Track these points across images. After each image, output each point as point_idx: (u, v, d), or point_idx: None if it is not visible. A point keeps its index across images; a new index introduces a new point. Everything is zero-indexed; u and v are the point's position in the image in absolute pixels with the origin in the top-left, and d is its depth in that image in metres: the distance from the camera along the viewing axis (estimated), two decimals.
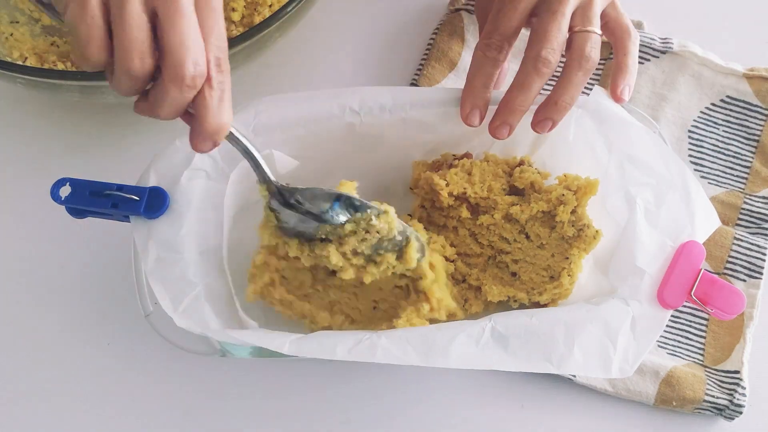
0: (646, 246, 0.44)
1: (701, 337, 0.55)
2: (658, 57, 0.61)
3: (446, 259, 0.50)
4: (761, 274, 0.55)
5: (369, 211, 0.43)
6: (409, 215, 0.52)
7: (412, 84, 0.61)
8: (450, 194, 0.49)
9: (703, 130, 0.60)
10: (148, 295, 0.46)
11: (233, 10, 0.60)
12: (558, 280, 0.47)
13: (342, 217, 0.43)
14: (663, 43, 0.61)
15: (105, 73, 0.36)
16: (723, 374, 0.53)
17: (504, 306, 0.50)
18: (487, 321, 0.42)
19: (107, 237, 0.56)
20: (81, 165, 0.59)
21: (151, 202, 0.44)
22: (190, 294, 0.43)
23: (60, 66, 0.59)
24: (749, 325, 0.54)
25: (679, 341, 0.55)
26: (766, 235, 0.57)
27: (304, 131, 0.48)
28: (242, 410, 0.53)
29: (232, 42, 0.51)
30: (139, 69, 0.34)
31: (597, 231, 0.47)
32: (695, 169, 0.59)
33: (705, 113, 0.60)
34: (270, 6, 0.61)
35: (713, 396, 0.52)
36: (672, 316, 0.54)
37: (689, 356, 0.54)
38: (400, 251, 0.45)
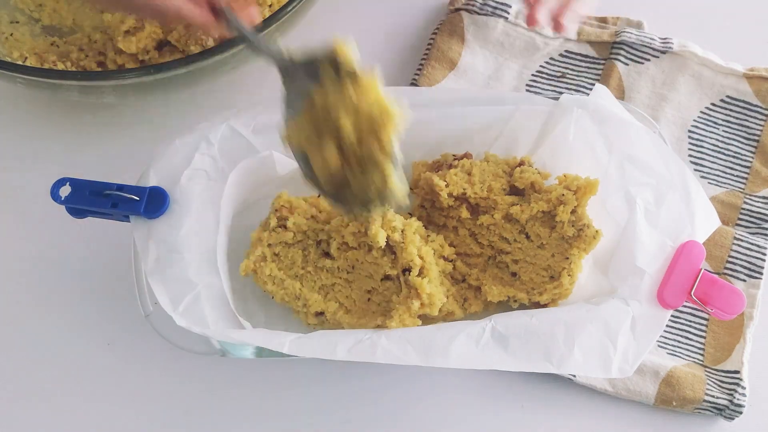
0: (646, 246, 0.44)
1: (701, 337, 0.55)
2: (658, 57, 0.61)
3: (445, 259, 0.50)
4: (761, 274, 0.55)
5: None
6: (410, 214, 0.52)
7: (412, 84, 0.61)
8: (450, 195, 0.49)
9: (703, 130, 0.60)
10: (148, 295, 0.46)
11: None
12: (558, 280, 0.47)
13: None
14: (663, 43, 0.61)
15: None
16: (723, 374, 0.53)
17: (504, 306, 0.50)
18: (487, 321, 0.42)
19: (107, 237, 0.56)
20: (81, 165, 0.59)
21: (151, 202, 0.44)
22: (190, 294, 0.43)
23: (60, 66, 0.59)
24: (749, 325, 0.54)
25: (679, 341, 0.55)
26: (766, 235, 0.57)
27: None
28: (242, 410, 0.53)
29: (232, 42, 0.51)
30: None
31: (597, 231, 0.47)
32: (695, 169, 0.59)
33: (705, 113, 0.60)
34: (270, 6, 0.61)
35: (713, 396, 0.52)
36: (672, 316, 0.54)
37: (689, 356, 0.54)
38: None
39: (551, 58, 0.62)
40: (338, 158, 0.43)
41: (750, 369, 0.53)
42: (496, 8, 0.63)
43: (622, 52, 0.61)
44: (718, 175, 0.59)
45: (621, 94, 0.60)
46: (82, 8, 0.64)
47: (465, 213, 0.50)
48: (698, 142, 0.59)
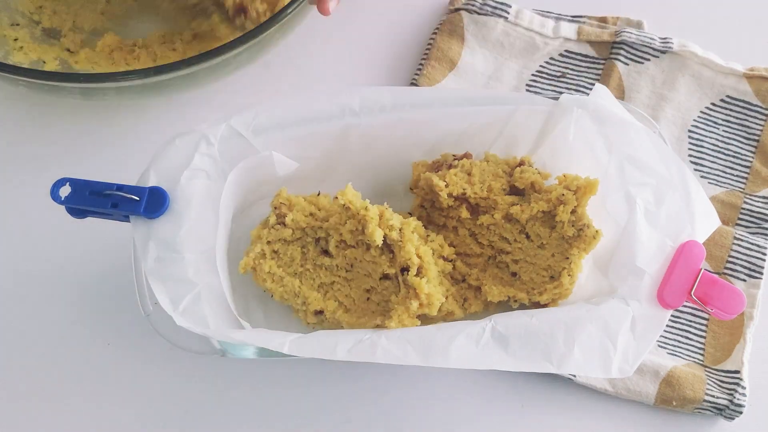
0: (646, 246, 0.44)
1: (701, 337, 0.55)
2: (658, 57, 0.61)
3: (445, 259, 0.50)
4: (761, 274, 0.55)
5: None
6: (409, 213, 0.52)
7: (412, 84, 0.61)
8: (449, 195, 0.49)
9: (703, 129, 0.60)
10: (148, 295, 0.46)
11: None
12: (558, 280, 0.47)
13: None
14: (663, 43, 0.61)
15: None
16: (723, 374, 0.53)
17: (504, 306, 0.50)
18: (487, 321, 0.42)
19: (107, 237, 0.56)
20: (81, 165, 0.59)
21: (151, 202, 0.44)
22: (190, 294, 0.43)
23: (60, 68, 0.59)
24: (749, 325, 0.54)
25: (679, 341, 0.55)
26: (766, 235, 0.57)
27: (304, 131, 0.48)
28: (242, 410, 0.53)
29: (234, 43, 0.51)
30: None
31: (597, 231, 0.47)
32: (695, 169, 0.59)
33: (705, 113, 0.60)
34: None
35: (713, 396, 0.52)
36: (672, 316, 0.54)
37: (689, 356, 0.54)
38: None
39: (551, 58, 0.62)
40: None
41: (750, 369, 0.53)
42: (495, 8, 0.63)
43: (622, 52, 0.61)
44: (718, 175, 0.59)
45: (621, 94, 0.60)
46: (82, 10, 0.64)
47: (465, 213, 0.50)
48: (698, 142, 0.59)
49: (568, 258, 0.47)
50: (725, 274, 0.56)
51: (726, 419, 0.52)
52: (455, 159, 0.51)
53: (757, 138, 0.59)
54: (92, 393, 0.53)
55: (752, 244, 0.56)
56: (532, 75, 0.62)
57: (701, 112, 0.60)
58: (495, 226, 0.50)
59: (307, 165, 0.50)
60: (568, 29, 0.63)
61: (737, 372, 0.53)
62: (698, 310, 0.54)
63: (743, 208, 0.58)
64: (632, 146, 0.46)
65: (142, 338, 0.53)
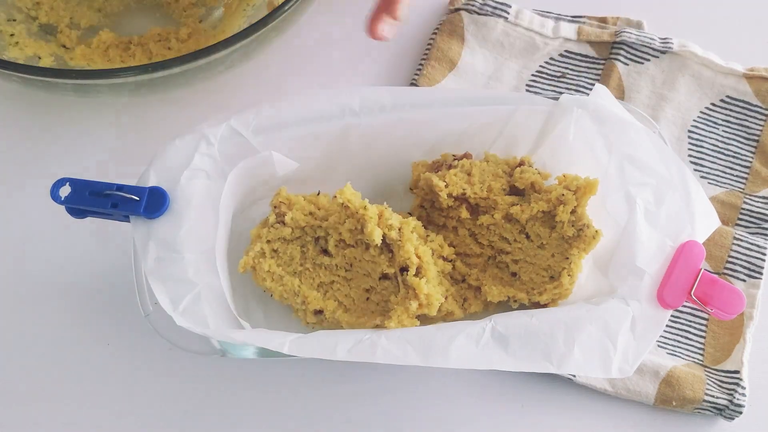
0: (646, 246, 0.44)
1: (701, 337, 0.55)
2: (658, 57, 0.61)
3: (445, 259, 0.50)
4: (761, 274, 0.55)
5: None
6: (409, 213, 0.52)
7: (412, 84, 0.61)
8: (449, 195, 0.49)
9: (703, 130, 0.60)
10: (148, 295, 0.46)
11: None
12: (558, 280, 0.47)
13: None
14: (663, 43, 0.61)
15: None
16: (723, 374, 0.53)
17: (504, 306, 0.50)
18: (487, 321, 0.42)
19: (107, 237, 0.56)
20: (81, 165, 0.59)
21: (151, 202, 0.44)
22: (190, 294, 0.43)
23: (55, 65, 0.59)
24: (749, 325, 0.54)
25: (678, 341, 0.55)
26: (766, 235, 0.57)
27: (304, 132, 0.48)
28: (242, 410, 0.53)
29: (230, 41, 0.51)
30: None
31: (597, 231, 0.47)
32: (695, 169, 0.59)
33: (705, 113, 0.60)
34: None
35: (713, 396, 0.52)
36: (672, 316, 0.54)
37: (689, 356, 0.54)
38: None
39: (551, 58, 0.62)
40: None
41: (750, 369, 0.53)
42: (495, 8, 0.63)
43: (622, 52, 0.61)
44: (717, 175, 0.59)
45: (621, 94, 0.60)
46: (80, 7, 0.64)
47: (465, 213, 0.50)
48: (698, 142, 0.60)
49: (568, 258, 0.47)
50: (725, 274, 0.56)
51: (726, 419, 0.52)
52: (455, 159, 0.51)
53: (756, 138, 0.59)
54: (92, 393, 0.53)
55: (752, 244, 0.56)
56: (532, 75, 0.62)
57: (701, 112, 0.60)
58: (495, 226, 0.50)
59: (307, 165, 0.50)
60: (568, 29, 0.63)
61: (737, 372, 0.53)
62: (698, 310, 0.55)
63: (743, 209, 0.58)
64: (632, 146, 0.46)
65: (142, 338, 0.53)
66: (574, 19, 0.63)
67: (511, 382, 0.54)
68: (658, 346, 0.54)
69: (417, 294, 0.45)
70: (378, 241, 0.46)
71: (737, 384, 0.52)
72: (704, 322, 0.55)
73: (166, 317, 0.43)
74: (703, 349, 0.54)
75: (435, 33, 0.63)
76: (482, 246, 0.51)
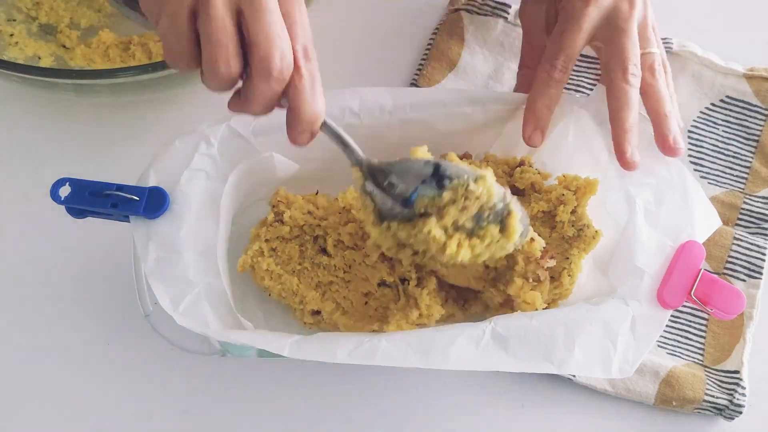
0: (646, 246, 0.44)
1: (701, 337, 0.55)
2: None
3: None
4: (761, 274, 0.55)
5: (466, 176, 0.41)
6: None
7: (412, 84, 0.61)
8: None
9: (703, 130, 0.60)
10: (148, 295, 0.46)
11: None
12: (558, 281, 0.47)
13: (430, 192, 0.41)
14: (663, 43, 0.61)
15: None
16: (723, 374, 0.53)
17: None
18: (487, 323, 0.42)
19: (107, 237, 0.56)
20: (81, 165, 0.59)
21: (151, 202, 0.44)
22: (190, 294, 0.43)
23: (55, 65, 0.59)
24: (749, 325, 0.54)
25: (678, 341, 0.55)
26: (765, 235, 0.57)
27: None
28: (242, 410, 0.53)
29: None
30: (225, 72, 0.36)
31: (597, 231, 0.47)
32: (695, 169, 0.59)
33: (705, 113, 0.60)
34: None
35: (713, 396, 0.52)
36: (672, 316, 0.54)
37: (689, 356, 0.54)
38: (502, 223, 0.42)
39: None
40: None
41: (750, 369, 0.53)
42: (495, 8, 0.63)
43: None
44: (717, 175, 0.59)
45: None
46: (79, 7, 0.64)
47: None
48: (698, 142, 0.60)
49: (568, 258, 0.47)
50: (725, 274, 0.56)
51: (726, 419, 0.52)
52: None
53: (756, 138, 0.59)
54: (92, 393, 0.53)
55: (752, 244, 0.56)
56: None
57: (701, 112, 0.60)
58: None
59: (307, 166, 0.50)
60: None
61: (737, 372, 0.53)
62: (698, 310, 0.55)
63: (743, 209, 0.58)
64: None
65: (142, 338, 0.53)
66: None
67: (511, 382, 0.54)
68: (658, 346, 0.54)
69: (418, 304, 0.46)
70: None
71: (737, 384, 0.52)
72: (704, 322, 0.55)
73: (166, 317, 0.43)
74: (703, 349, 0.54)
75: (435, 33, 0.63)
76: None
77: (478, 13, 0.63)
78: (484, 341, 0.41)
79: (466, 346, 0.41)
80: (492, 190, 0.41)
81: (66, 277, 0.56)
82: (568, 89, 0.61)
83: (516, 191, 0.50)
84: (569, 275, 0.47)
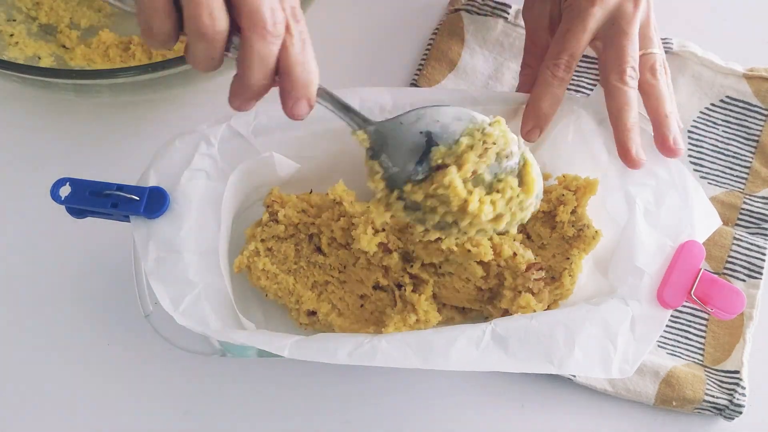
0: (646, 246, 0.44)
1: (701, 337, 0.55)
2: None
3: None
4: (761, 274, 0.55)
5: (480, 119, 0.39)
6: None
7: (412, 84, 0.61)
8: None
9: (703, 130, 0.60)
10: (148, 295, 0.46)
11: None
12: (559, 281, 0.47)
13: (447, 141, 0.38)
14: (663, 43, 0.61)
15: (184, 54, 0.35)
16: (723, 374, 0.53)
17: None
18: (487, 324, 0.42)
19: (107, 237, 0.56)
20: (81, 165, 0.59)
21: (151, 202, 0.44)
22: (191, 294, 0.43)
23: (55, 65, 0.59)
24: (749, 325, 0.54)
25: (678, 341, 0.55)
26: (765, 235, 0.57)
27: (304, 132, 0.48)
28: (242, 410, 0.53)
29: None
30: (210, 26, 0.33)
31: (597, 231, 0.47)
32: (695, 169, 0.59)
33: (705, 113, 0.60)
34: None
35: (713, 396, 0.52)
36: (672, 316, 0.54)
37: (689, 356, 0.54)
38: (519, 174, 0.40)
39: None
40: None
41: (750, 369, 0.53)
42: (495, 8, 0.63)
43: None
44: (717, 176, 0.59)
45: None
46: (79, 7, 0.64)
47: None
48: (698, 143, 0.60)
49: (568, 258, 0.47)
50: (725, 274, 0.56)
51: (726, 419, 0.52)
52: None
53: (756, 138, 0.59)
54: (92, 393, 0.53)
55: (752, 244, 0.56)
56: None
57: (701, 112, 0.60)
58: None
59: (307, 166, 0.50)
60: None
61: (737, 372, 0.53)
62: (698, 310, 0.55)
63: (743, 209, 0.58)
64: None
65: (142, 338, 0.53)
66: None
67: (511, 382, 0.54)
68: (658, 346, 0.54)
69: (416, 309, 0.46)
70: (369, 249, 0.45)
71: (737, 384, 0.52)
72: (704, 322, 0.55)
73: (166, 317, 0.43)
74: (703, 349, 0.54)
75: (435, 33, 0.63)
76: None
77: (478, 13, 0.63)
78: (484, 342, 0.41)
79: (466, 346, 0.41)
80: (507, 134, 0.39)
81: (66, 277, 0.56)
82: (568, 89, 0.61)
83: None
84: (570, 275, 0.47)
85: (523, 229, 0.49)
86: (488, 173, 0.39)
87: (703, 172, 0.59)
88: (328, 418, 0.53)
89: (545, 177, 0.50)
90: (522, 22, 0.62)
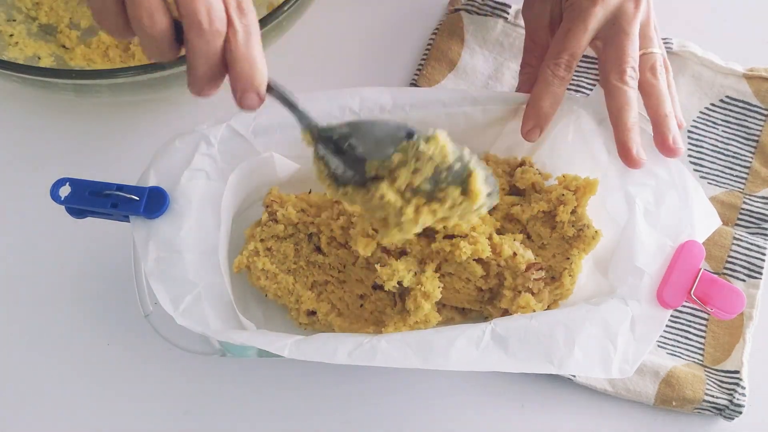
0: (646, 246, 0.44)
1: (701, 337, 0.55)
2: None
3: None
4: (761, 274, 0.55)
5: (415, 136, 0.39)
6: None
7: (412, 84, 0.61)
8: None
9: (703, 130, 0.60)
10: (148, 295, 0.46)
11: None
12: (559, 281, 0.47)
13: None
14: (663, 43, 0.61)
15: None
16: (723, 374, 0.53)
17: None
18: (487, 324, 0.42)
19: (107, 237, 0.56)
20: (81, 165, 0.59)
21: (151, 202, 0.44)
22: (190, 294, 0.43)
23: (55, 65, 0.59)
24: (749, 325, 0.54)
25: (678, 341, 0.55)
26: (765, 235, 0.57)
27: None
28: (242, 410, 0.53)
29: None
30: (149, 26, 0.34)
31: (597, 231, 0.47)
32: (695, 169, 0.59)
33: (705, 113, 0.60)
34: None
35: (713, 396, 0.52)
36: (672, 316, 0.54)
37: (689, 356, 0.54)
38: (464, 184, 0.40)
39: None
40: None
41: (750, 369, 0.53)
42: (495, 8, 0.63)
43: None
44: (717, 175, 0.59)
45: None
46: (79, 7, 0.64)
47: None
48: (698, 143, 0.60)
49: (568, 258, 0.47)
50: (725, 274, 0.56)
51: (726, 419, 0.52)
52: None
53: (756, 138, 0.59)
54: (92, 393, 0.53)
55: (752, 244, 0.56)
56: None
57: (701, 112, 0.60)
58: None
59: (307, 166, 0.50)
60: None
61: (737, 372, 0.53)
62: (698, 310, 0.55)
63: (743, 209, 0.58)
64: None
65: (142, 338, 0.53)
66: None
67: (511, 382, 0.54)
68: (658, 346, 0.54)
69: (416, 311, 0.46)
70: (366, 254, 0.45)
71: (737, 384, 0.52)
72: (704, 322, 0.55)
73: (166, 317, 0.43)
74: (703, 349, 0.54)
75: (435, 33, 0.63)
76: None
77: (478, 13, 0.63)
78: (484, 342, 0.41)
79: (467, 346, 0.41)
80: (446, 149, 0.39)
81: (66, 277, 0.56)
82: (568, 89, 0.61)
83: (516, 191, 0.50)
84: (570, 275, 0.47)
85: (523, 229, 0.49)
86: (427, 184, 0.40)
87: (703, 172, 0.59)
88: (328, 418, 0.53)
89: (545, 177, 0.50)
90: (522, 22, 0.62)
